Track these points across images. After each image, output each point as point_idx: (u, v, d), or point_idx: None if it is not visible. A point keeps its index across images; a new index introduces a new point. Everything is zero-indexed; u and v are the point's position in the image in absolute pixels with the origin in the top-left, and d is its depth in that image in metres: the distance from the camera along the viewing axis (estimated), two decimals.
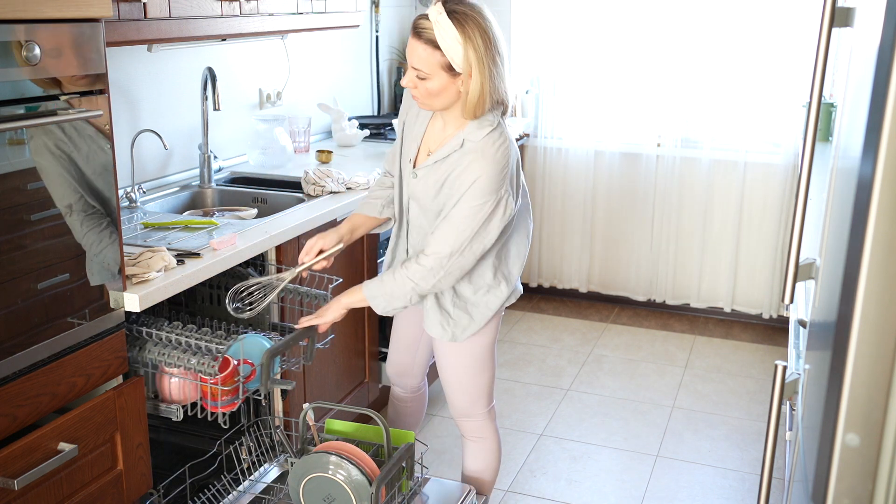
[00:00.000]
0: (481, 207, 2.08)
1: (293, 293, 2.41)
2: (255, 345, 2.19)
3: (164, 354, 2.06)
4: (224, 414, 2.12)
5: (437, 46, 2.01)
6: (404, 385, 2.61)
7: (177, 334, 2.08)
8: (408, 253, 2.32)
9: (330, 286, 2.43)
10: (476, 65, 2.01)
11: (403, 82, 2.11)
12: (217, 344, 2.05)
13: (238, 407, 2.62)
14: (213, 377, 2.04)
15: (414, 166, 2.22)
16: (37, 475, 1.71)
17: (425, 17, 2.03)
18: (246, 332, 2.27)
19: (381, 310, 2.21)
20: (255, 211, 2.83)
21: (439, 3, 2.02)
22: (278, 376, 2.26)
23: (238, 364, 2.10)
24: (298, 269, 2.28)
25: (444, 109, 2.13)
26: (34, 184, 1.70)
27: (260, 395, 2.16)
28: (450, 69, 2.03)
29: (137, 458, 2.02)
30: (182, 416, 2.12)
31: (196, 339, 2.07)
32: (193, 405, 2.16)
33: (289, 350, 2.25)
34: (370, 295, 2.19)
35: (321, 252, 2.29)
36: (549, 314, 4.51)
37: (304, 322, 2.28)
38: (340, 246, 2.32)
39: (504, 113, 2.18)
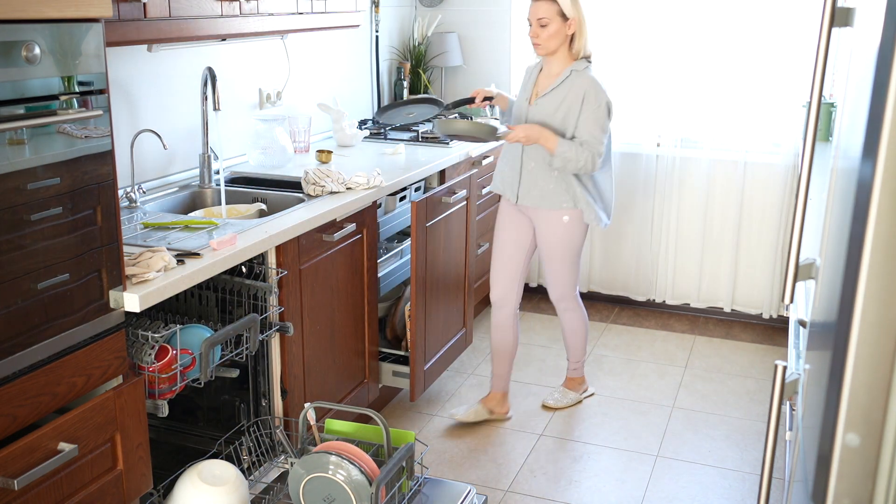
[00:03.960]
0: (597, 109, 2.98)
1: (239, 286, 2.46)
2: (194, 335, 2.26)
3: None
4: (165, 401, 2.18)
5: (553, 0, 2.95)
6: (508, 306, 3.28)
7: (133, 328, 2.14)
8: (527, 162, 3.13)
9: (274, 277, 2.48)
10: (579, 11, 2.98)
11: (530, 34, 3.01)
12: (153, 332, 2.13)
13: (237, 406, 2.63)
14: (150, 365, 2.10)
15: (530, 103, 3.11)
16: (37, 475, 1.71)
17: None
18: (185, 324, 2.34)
19: (558, 157, 2.96)
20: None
21: None
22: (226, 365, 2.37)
23: (176, 353, 2.16)
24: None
25: (555, 52, 3.03)
26: (34, 184, 1.70)
27: (200, 384, 2.24)
28: (562, 15, 2.96)
29: (137, 458, 2.02)
30: (167, 412, 2.15)
31: (142, 332, 2.14)
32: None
33: (230, 340, 2.32)
34: (561, 147, 2.96)
35: (486, 99, 3.23)
36: (549, 314, 4.51)
37: (510, 138, 3.02)
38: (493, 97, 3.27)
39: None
